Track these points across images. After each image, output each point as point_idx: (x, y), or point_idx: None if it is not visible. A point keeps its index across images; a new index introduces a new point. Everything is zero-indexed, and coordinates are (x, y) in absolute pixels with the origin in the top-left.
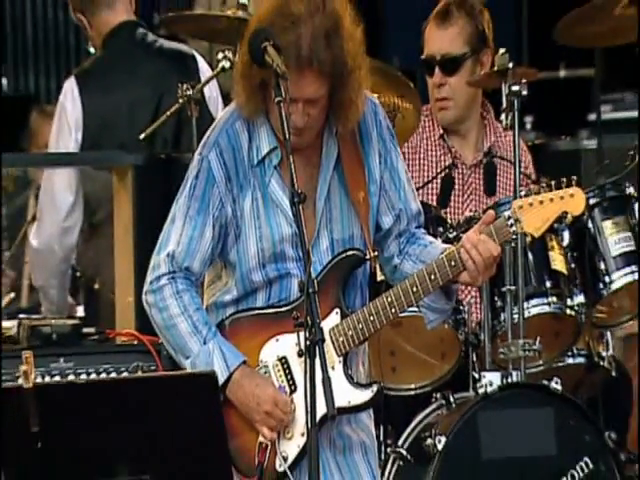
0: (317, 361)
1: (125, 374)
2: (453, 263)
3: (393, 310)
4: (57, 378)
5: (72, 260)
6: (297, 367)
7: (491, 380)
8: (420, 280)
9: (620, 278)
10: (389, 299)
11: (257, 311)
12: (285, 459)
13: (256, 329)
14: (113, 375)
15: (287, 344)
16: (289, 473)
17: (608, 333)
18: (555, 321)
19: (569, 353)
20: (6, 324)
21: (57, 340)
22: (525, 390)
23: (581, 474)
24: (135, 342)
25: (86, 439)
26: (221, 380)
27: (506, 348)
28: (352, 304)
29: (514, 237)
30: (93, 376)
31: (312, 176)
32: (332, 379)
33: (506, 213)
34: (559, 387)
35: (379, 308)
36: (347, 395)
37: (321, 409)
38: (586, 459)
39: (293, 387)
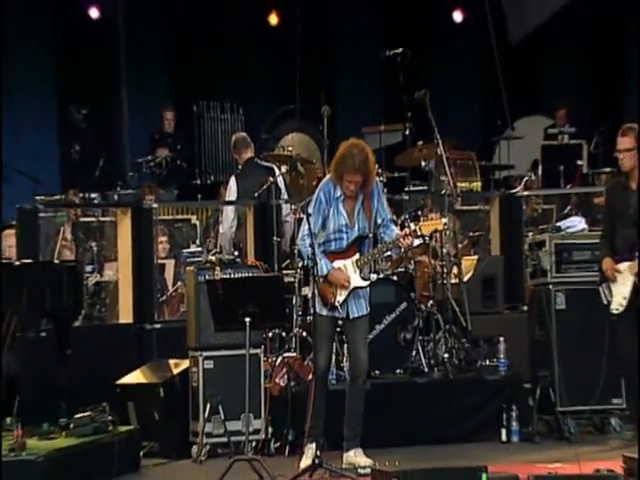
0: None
1: (249, 274)
2: (400, 240)
3: (378, 254)
4: (226, 276)
5: (233, 235)
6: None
7: (376, 276)
8: (388, 243)
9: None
10: (377, 249)
11: (332, 249)
12: (339, 301)
13: (333, 256)
14: (246, 275)
15: (342, 263)
16: (339, 306)
17: (413, 262)
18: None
19: (397, 268)
20: (211, 257)
21: (227, 263)
22: (386, 280)
23: (401, 308)
24: (253, 265)
25: (237, 295)
26: (325, 272)
27: (379, 266)
28: (364, 251)
29: (418, 235)
30: (239, 275)
31: (354, 205)
32: (354, 277)
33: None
34: (396, 279)
35: (374, 252)
36: (360, 282)
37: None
38: (404, 303)
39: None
